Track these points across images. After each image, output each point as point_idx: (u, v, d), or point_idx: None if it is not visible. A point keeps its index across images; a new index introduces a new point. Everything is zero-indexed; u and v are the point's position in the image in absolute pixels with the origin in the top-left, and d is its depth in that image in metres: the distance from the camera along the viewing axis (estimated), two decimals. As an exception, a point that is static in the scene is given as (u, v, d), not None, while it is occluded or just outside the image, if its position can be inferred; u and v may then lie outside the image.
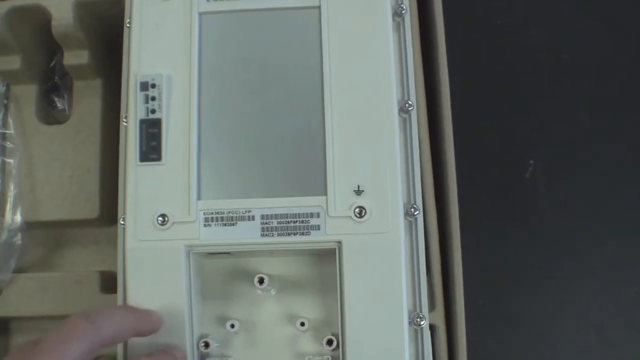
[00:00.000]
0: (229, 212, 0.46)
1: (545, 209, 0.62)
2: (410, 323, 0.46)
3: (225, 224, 0.46)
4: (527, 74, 0.65)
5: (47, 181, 0.59)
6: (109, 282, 0.57)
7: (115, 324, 0.41)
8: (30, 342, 0.42)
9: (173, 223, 0.46)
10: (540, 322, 0.61)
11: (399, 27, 0.51)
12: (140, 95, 0.47)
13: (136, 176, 0.47)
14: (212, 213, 0.46)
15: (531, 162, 0.62)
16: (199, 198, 0.46)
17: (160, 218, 0.46)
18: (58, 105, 0.62)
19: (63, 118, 0.61)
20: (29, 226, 0.59)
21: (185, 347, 0.45)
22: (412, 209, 0.47)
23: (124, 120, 0.49)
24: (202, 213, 0.46)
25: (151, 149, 0.47)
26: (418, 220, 0.47)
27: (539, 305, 0.61)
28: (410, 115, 0.49)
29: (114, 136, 0.51)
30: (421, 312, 0.47)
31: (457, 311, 0.50)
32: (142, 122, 0.47)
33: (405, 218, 0.47)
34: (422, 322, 0.46)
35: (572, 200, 0.62)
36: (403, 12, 0.50)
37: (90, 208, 0.58)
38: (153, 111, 0.47)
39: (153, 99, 0.47)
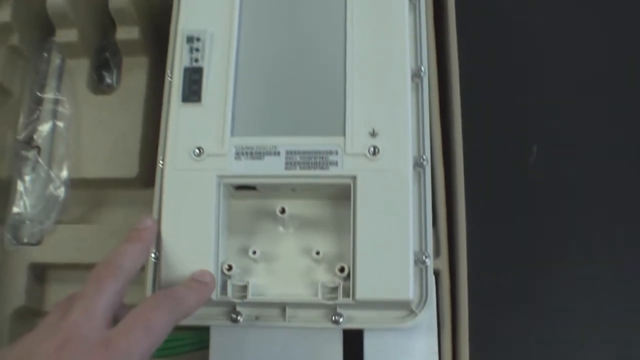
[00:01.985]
0: (258, 147, 0.52)
1: (547, 193, 0.67)
2: (415, 262, 0.51)
3: (253, 158, 0.51)
4: (533, 64, 0.71)
5: (92, 143, 0.65)
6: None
7: (129, 255, 0.47)
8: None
9: (208, 155, 0.52)
10: (543, 298, 0.66)
11: (415, 8, 0.57)
12: (186, 47, 0.54)
13: (178, 114, 0.53)
14: (242, 148, 0.52)
15: (534, 147, 0.68)
16: (232, 134, 0.52)
17: (196, 150, 0.52)
18: (107, 79, 0.69)
19: (110, 91, 0.68)
20: (72, 183, 0.64)
21: (210, 271, 0.50)
22: (422, 159, 0.52)
23: (169, 75, 0.55)
24: (234, 147, 0.52)
25: (192, 92, 0.53)
26: (426, 169, 0.53)
27: (541, 282, 0.66)
28: (422, 81, 0.55)
29: (155, 107, 0.57)
30: (426, 251, 0.51)
31: (459, 259, 0.54)
32: (186, 69, 0.54)
33: (414, 169, 0.52)
34: (426, 260, 0.51)
35: (574, 186, 0.67)
36: (419, -7, 0.57)
37: (129, 168, 0.64)
38: (196, 60, 0.54)
39: (197, 50, 0.54)
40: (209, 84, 0.53)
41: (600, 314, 0.65)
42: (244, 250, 0.52)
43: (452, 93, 0.59)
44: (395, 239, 0.50)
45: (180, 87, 0.53)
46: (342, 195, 0.52)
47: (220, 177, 0.51)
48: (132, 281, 0.47)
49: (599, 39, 0.73)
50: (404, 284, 0.49)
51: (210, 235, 0.51)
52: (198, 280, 0.49)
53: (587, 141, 0.69)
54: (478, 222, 0.57)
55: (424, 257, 0.51)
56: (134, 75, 0.67)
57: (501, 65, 0.72)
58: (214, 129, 0.52)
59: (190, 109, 0.53)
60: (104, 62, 0.69)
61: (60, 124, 0.66)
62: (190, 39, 0.54)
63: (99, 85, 0.69)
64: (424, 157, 0.53)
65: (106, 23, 0.68)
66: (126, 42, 0.66)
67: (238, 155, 0.52)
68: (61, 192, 0.64)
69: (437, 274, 0.55)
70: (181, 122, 0.53)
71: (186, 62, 0.54)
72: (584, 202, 0.67)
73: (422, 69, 0.55)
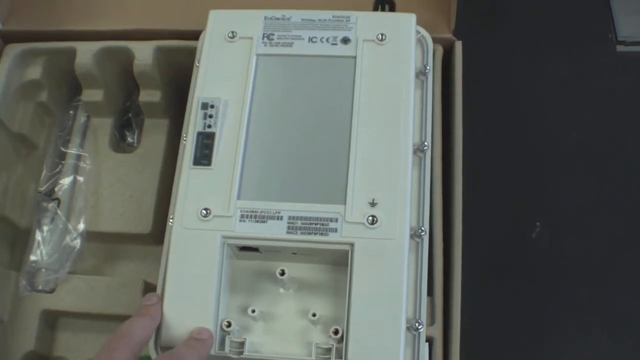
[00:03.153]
0: (262, 211, 0.54)
1: (547, 267, 0.68)
2: (409, 328, 0.52)
3: (257, 221, 0.54)
4: (545, 150, 0.73)
5: (110, 198, 0.69)
6: (152, 290, 0.64)
7: (139, 327, 0.50)
8: None
9: (214, 216, 0.54)
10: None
11: (422, 84, 0.60)
12: (200, 113, 0.57)
13: (188, 176, 0.56)
14: (247, 211, 0.54)
15: (538, 224, 0.70)
16: (238, 198, 0.55)
17: (203, 211, 0.54)
18: (128, 139, 0.73)
19: (131, 149, 0.72)
20: (89, 235, 0.67)
21: (210, 327, 0.52)
22: (420, 230, 0.55)
23: (184, 138, 0.59)
24: (239, 210, 0.54)
25: (203, 156, 0.56)
26: (424, 240, 0.55)
27: (537, 355, 0.67)
28: (425, 155, 0.57)
29: (172, 167, 0.60)
30: (420, 318, 0.53)
31: (453, 328, 0.56)
32: (199, 134, 0.57)
33: (413, 239, 0.55)
34: (420, 327, 0.53)
35: (573, 261, 0.69)
36: (427, 71, 0.60)
37: (143, 224, 0.67)
38: (209, 126, 0.57)
39: (210, 116, 0.57)
40: (220, 149, 0.56)
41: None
42: (244, 309, 0.54)
43: (455, 166, 0.61)
44: (389, 305, 0.52)
45: (193, 151, 0.56)
46: (340, 261, 0.54)
47: (225, 237, 0.54)
48: (142, 349, 0.50)
49: (606, 120, 0.76)
50: (395, 349, 0.51)
51: (212, 291, 0.53)
52: (196, 339, 0.51)
53: (590, 219, 0.70)
54: (476, 292, 0.58)
55: (417, 325, 0.53)
56: (154, 136, 0.71)
57: (508, 140, 0.75)
58: (222, 192, 0.55)
59: (201, 171, 0.56)
60: (127, 122, 0.73)
61: (80, 178, 0.69)
62: (204, 106, 0.57)
63: (120, 143, 0.73)
64: (423, 228, 0.55)
65: (130, 86, 0.72)
66: (148, 105, 0.70)
67: (243, 217, 0.54)
68: (77, 243, 0.67)
69: (431, 341, 0.56)
70: (191, 183, 0.55)
71: (200, 127, 0.57)
72: (583, 277, 0.69)
73: (426, 143, 0.57)
